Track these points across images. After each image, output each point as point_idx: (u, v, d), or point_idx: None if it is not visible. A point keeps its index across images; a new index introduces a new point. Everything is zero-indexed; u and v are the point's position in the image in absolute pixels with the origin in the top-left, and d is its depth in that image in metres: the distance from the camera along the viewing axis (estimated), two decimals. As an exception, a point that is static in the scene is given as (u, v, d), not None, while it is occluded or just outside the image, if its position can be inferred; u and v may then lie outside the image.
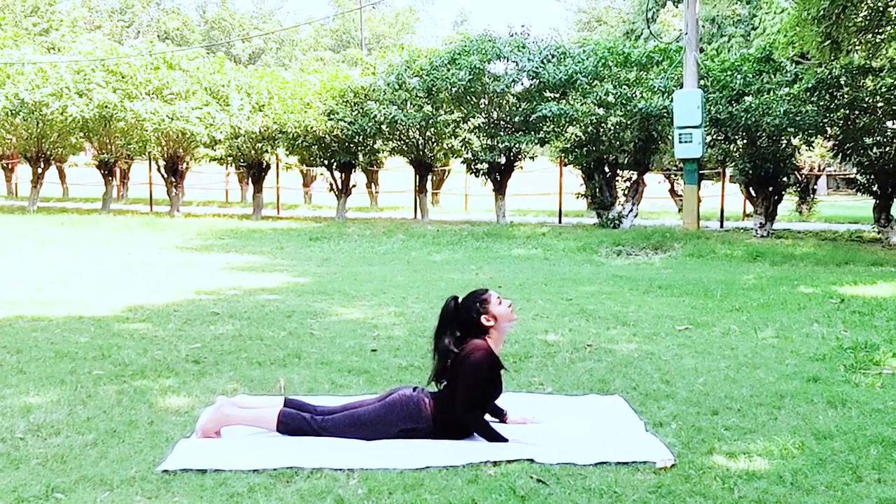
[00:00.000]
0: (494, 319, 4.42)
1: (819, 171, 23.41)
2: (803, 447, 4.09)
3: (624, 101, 16.68)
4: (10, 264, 11.72)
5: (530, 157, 19.28)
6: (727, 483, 3.63)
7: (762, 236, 15.42)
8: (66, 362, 5.77)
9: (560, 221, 19.49)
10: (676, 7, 39.17)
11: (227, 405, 4.35)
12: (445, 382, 4.35)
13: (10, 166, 30.13)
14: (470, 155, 18.83)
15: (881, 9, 13.70)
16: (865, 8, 13.70)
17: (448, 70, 17.73)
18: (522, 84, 18.49)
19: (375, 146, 20.46)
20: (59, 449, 4.00)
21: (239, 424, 4.33)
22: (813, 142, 15.99)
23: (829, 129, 15.25)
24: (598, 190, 17.72)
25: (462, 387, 4.23)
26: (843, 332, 6.98)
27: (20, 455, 3.92)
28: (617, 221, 17.24)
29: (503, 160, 18.67)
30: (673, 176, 22.33)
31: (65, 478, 3.65)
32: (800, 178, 17.94)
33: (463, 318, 4.40)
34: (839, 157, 15.63)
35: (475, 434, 4.28)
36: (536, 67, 17.58)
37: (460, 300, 4.47)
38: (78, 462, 3.85)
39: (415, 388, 4.41)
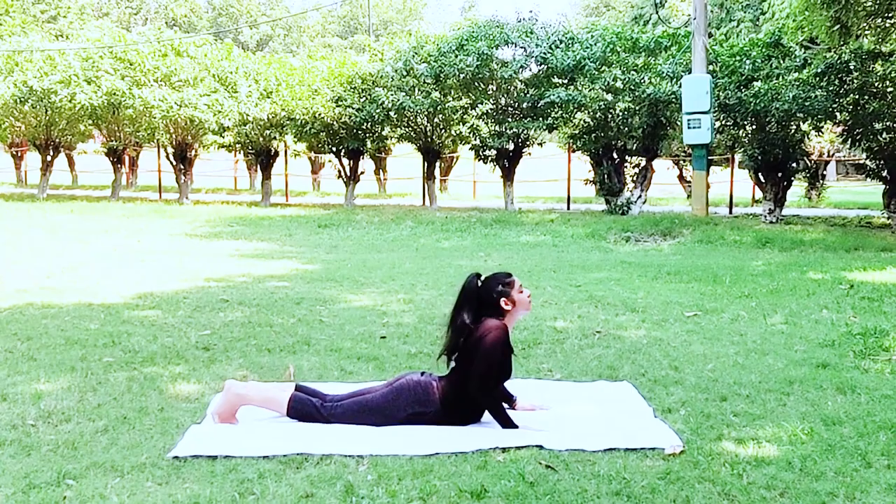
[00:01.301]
0: (513, 305, 4.43)
1: (828, 156, 23.30)
2: (812, 433, 4.09)
3: (632, 87, 16.59)
4: (19, 252, 11.75)
5: (539, 144, 19.20)
6: (736, 469, 3.64)
7: (771, 222, 15.36)
8: (77, 349, 5.79)
9: (568, 208, 19.47)
10: (685, -8, 38.93)
11: (236, 385, 4.38)
12: (455, 362, 4.36)
13: (19, 154, 30.19)
14: (478, 141, 18.78)
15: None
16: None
17: (456, 56, 17.66)
18: (530, 70, 18.44)
19: (383, 133, 20.42)
20: (70, 435, 4.03)
21: (251, 404, 4.36)
22: (822, 127, 15.91)
23: (838, 114, 15.15)
24: (606, 176, 17.66)
25: (478, 366, 4.23)
26: (852, 318, 6.96)
27: (31, 442, 3.95)
28: (625, 208, 17.20)
29: (511, 146, 18.63)
30: (682, 162, 22.24)
31: (76, 464, 3.67)
32: (809, 164, 17.83)
33: (483, 297, 4.41)
34: (848, 142, 15.55)
35: (485, 416, 4.29)
36: (544, 53, 17.51)
37: (483, 278, 4.48)
38: (89, 448, 3.87)
39: (422, 373, 4.44)
